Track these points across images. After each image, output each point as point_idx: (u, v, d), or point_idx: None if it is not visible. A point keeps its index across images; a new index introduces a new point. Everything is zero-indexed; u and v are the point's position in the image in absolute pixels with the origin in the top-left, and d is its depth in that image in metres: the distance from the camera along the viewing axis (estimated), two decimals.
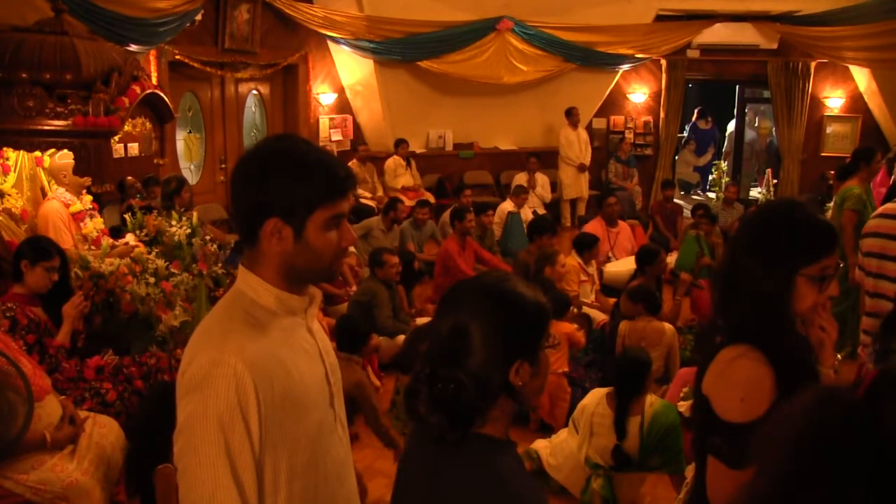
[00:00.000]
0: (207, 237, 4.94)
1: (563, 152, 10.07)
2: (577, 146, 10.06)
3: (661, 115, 11.10)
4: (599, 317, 5.75)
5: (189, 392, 1.37)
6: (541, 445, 3.96)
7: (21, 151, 4.63)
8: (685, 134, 13.45)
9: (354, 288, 6.14)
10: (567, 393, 4.48)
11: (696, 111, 13.11)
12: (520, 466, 1.36)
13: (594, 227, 7.14)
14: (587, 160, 10.15)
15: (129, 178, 5.64)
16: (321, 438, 1.51)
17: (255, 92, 9.08)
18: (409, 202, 8.45)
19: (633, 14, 10.13)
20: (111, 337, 3.93)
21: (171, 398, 3.30)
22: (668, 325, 4.71)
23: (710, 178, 13.15)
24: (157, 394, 3.34)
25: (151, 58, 7.04)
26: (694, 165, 13.14)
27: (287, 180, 1.42)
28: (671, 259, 6.55)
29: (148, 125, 6.07)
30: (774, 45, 10.36)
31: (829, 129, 10.71)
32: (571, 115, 10.03)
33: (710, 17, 10.24)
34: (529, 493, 1.30)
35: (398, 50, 9.42)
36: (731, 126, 13.47)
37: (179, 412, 1.38)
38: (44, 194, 4.67)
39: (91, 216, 4.71)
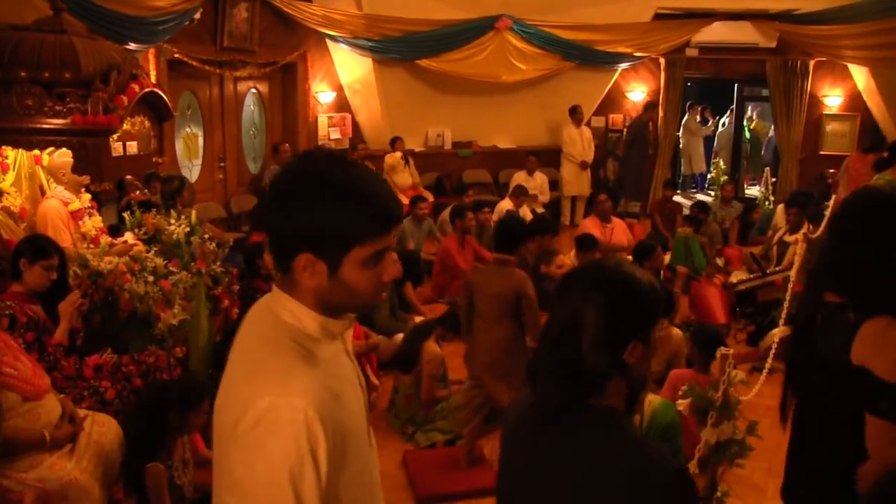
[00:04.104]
0: (206, 235, 4.94)
1: (566, 149, 10.10)
2: (579, 144, 10.08)
3: (660, 113, 11.10)
4: None
5: (250, 443, 1.23)
6: None
7: (20, 150, 4.63)
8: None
9: None
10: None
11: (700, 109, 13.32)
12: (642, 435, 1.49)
13: (590, 224, 7.19)
14: (589, 158, 10.17)
15: (129, 176, 5.64)
16: (363, 453, 1.44)
17: (253, 90, 9.08)
18: (406, 200, 8.46)
19: (632, 13, 10.13)
20: (110, 335, 3.93)
21: (163, 397, 3.32)
22: (675, 331, 4.73)
23: (710, 176, 13.20)
24: (151, 393, 3.36)
25: (150, 56, 7.04)
26: (703, 135, 13.37)
27: (320, 212, 1.26)
28: (667, 258, 6.57)
29: (147, 124, 6.07)
30: (773, 44, 10.36)
31: (827, 128, 10.71)
32: (575, 113, 10.05)
33: (708, 16, 10.25)
34: (665, 452, 1.40)
35: (397, 48, 9.42)
36: (725, 120, 13.62)
37: (234, 464, 1.25)
38: (42, 193, 4.67)
39: (90, 214, 4.71)
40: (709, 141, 13.81)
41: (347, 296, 1.33)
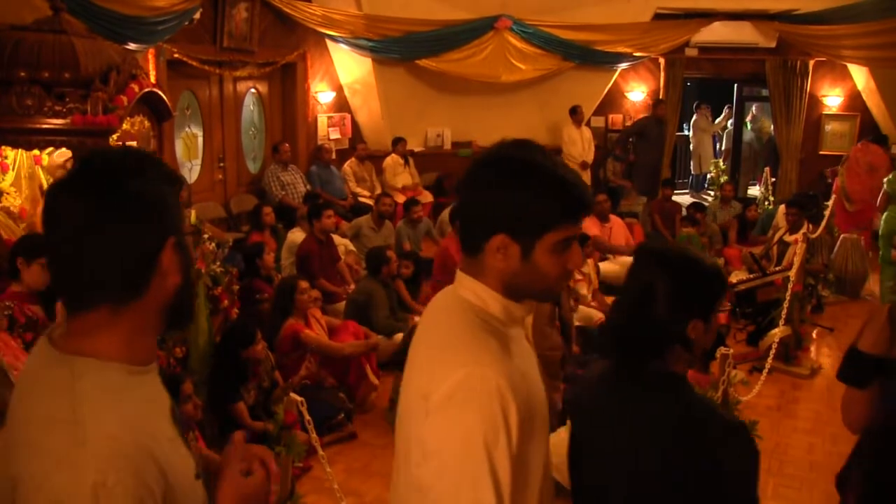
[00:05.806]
0: (205, 236, 4.94)
1: (566, 150, 10.09)
2: (579, 144, 10.08)
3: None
4: (597, 315, 5.76)
5: (447, 414, 1.28)
6: None
7: (19, 150, 4.63)
8: (688, 132, 13.56)
9: (353, 287, 6.16)
10: (558, 391, 4.48)
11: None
12: (701, 395, 1.62)
13: (588, 224, 7.20)
14: (590, 158, 10.17)
15: None
16: (546, 432, 1.44)
17: (253, 90, 9.07)
18: (402, 201, 8.47)
19: (632, 12, 10.12)
20: None
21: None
22: None
23: (710, 176, 13.19)
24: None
25: (150, 56, 7.03)
26: (713, 133, 13.45)
27: (523, 196, 1.32)
28: None
29: (146, 124, 6.05)
30: (773, 44, 10.35)
31: (827, 128, 10.71)
32: (575, 113, 10.05)
33: (708, 16, 10.24)
34: (718, 411, 1.56)
35: (396, 48, 9.42)
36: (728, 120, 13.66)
37: (427, 436, 1.30)
38: (42, 193, 4.67)
39: None
40: (716, 140, 13.86)
41: (534, 280, 1.37)
